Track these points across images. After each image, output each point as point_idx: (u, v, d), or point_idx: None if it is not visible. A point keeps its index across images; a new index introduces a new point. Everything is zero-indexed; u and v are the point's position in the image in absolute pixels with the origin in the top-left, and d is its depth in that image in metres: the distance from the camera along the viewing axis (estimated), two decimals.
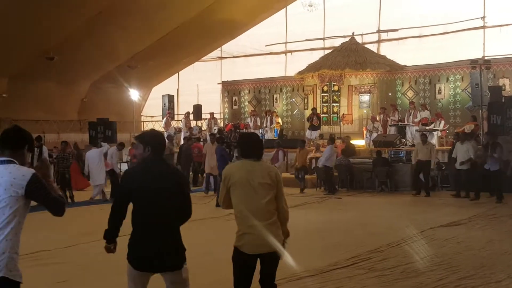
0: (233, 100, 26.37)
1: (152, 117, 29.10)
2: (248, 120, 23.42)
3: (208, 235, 9.35)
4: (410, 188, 15.08)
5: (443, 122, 18.79)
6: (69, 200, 14.03)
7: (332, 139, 16.57)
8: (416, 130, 18.78)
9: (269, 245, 4.07)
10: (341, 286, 5.86)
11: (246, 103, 25.86)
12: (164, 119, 23.61)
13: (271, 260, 4.16)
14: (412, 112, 19.63)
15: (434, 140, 18.03)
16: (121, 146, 16.51)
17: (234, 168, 4.31)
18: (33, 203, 3.33)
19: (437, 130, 18.62)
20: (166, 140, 17.72)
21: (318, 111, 21.52)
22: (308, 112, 21.87)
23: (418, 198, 13.94)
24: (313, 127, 20.71)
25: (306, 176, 16.50)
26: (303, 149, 17.09)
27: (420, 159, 14.61)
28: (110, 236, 3.97)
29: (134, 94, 25.34)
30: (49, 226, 10.24)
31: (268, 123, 22.43)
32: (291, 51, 26.22)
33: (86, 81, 25.42)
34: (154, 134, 4.19)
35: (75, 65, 22.40)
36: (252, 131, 22.22)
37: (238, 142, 4.74)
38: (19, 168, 3.30)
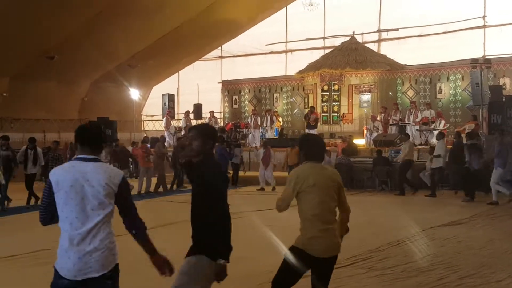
0: (234, 99, 26.37)
1: (152, 116, 29.11)
2: (249, 119, 23.43)
3: None
4: (409, 188, 15.08)
5: (443, 121, 18.78)
6: None
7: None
8: (417, 130, 18.79)
9: (338, 248, 4.18)
10: (341, 285, 5.86)
11: (247, 102, 25.86)
12: (164, 118, 23.61)
13: (334, 262, 4.22)
14: (413, 112, 19.62)
15: (434, 139, 18.02)
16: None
17: (306, 171, 4.21)
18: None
19: (438, 129, 18.60)
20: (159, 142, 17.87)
21: (318, 110, 21.51)
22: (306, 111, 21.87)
23: (418, 197, 13.95)
24: (309, 126, 20.64)
25: None
26: (295, 148, 17.18)
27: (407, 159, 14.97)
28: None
29: (134, 93, 25.36)
30: (48, 225, 10.27)
31: (269, 122, 22.42)
32: (291, 50, 26.22)
33: (87, 81, 25.41)
34: (213, 128, 4.24)
35: (75, 65, 22.39)
36: (253, 130, 22.25)
37: (304, 144, 4.45)
38: (111, 166, 3.39)
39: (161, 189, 16.32)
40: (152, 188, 16.02)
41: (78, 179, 3.18)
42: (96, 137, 3.40)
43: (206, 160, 3.90)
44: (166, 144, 21.76)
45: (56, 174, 3.25)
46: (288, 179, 4.23)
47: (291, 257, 4.11)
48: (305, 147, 4.38)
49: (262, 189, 16.44)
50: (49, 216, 3.34)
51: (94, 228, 3.18)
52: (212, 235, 3.73)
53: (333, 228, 4.17)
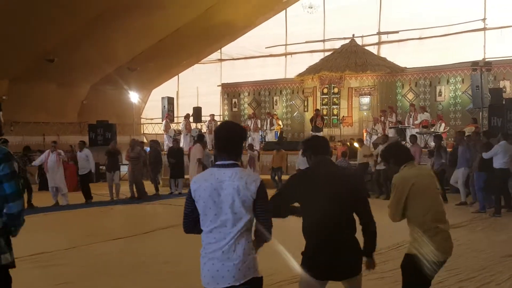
0: (233, 102, 26.36)
1: (152, 120, 29.10)
2: (248, 122, 23.40)
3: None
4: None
5: (443, 124, 18.76)
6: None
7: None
8: (416, 133, 18.75)
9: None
10: None
11: (246, 105, 25.84)
12: (164, 121, 23.60)
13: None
14: (413, 114, 19.58)
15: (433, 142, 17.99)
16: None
17: (411, 174, 4.20)
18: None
19: (438, 132, 18.58)
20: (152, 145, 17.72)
21: (320, 113, 21.48)
22: (308, 114, 21.85)
23: None
24: (316, 129, 20.66)
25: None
26: (280, 151, 17.55)
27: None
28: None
29: (133, 96, 25.36)
30: (49, 228, 10.24)
31: (268, 125, 22.40)
32: (291, 53, 26.21)
33: (86, 83, 25.41)
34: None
35: (75, 68, 22.39)
36: (252, 133, 22.23)
37: (394, 149, 4.55)
38: (248, 172, 3.26)
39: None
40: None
41: (215, 188, 3.13)
42: (236, 140, 3.27)
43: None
44: (165, 146, 21.83)
45: (196, 182, 3.21)
46: (398, 186, 4.19)
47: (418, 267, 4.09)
48: (396, 152, 4.43)
49: None
50: (192, 224, 3.29)
51: (234, 238, 3.12)
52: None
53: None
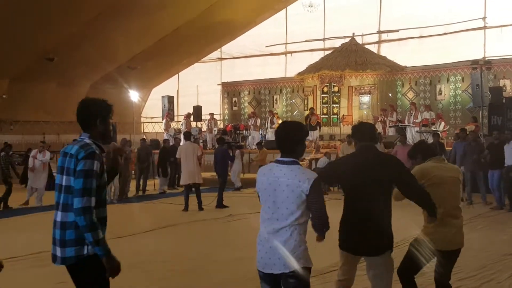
0: (233, 101, 26.34)
1: (152, 118, 29.10)
2: (248, 121, 23.40)
3: (208, 237, 9.30)
4: None
5: (443, 123, 18.75)
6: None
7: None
8: (416, 131, 18.74)
9: None
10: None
11: (246, 104, 25.82)
12: (164, 120, 23.58)
13: None
14: (413, 113, 19.58)
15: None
16: None
17: (433, 166, 4.51)
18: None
19: (438, 131, 18.56)
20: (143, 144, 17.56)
21: (318, 112, 21.46)
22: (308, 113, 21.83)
23: None
24: (310, 127, 20.63)
25: None
26: (262, 150, 17.71)
27: None
28: None
29: (134, 95, 25.31)
30: (48, 227, 10.23)
31: (269, 124, 22.41)
32: (291, 52, 26.20)
33: (86, 82, 25.40)
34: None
35: (75, 66, 22.39)
36: (252, 132, 22.23)
37: (421, 147, 4.89)
38: (304, 170, 3.45)
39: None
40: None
41: (271, 183, 3.39)
42: (294, 138, 3.48)
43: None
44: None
45: (259, 175, 3.50)
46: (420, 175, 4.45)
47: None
48: (424, 148, 4.79)
49: (238, 189, 16.79)
50: None
51: (283, 229, 3.36)
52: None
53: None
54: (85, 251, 3.30)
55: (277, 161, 3.46)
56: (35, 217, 11.80)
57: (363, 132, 4.33)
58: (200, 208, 12.18)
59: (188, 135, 13.91)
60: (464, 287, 5.82)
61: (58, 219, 3.36)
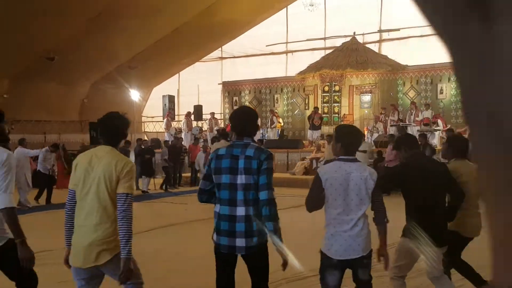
0: (234, 100, 26.35)
1: (152, 118, 29.09)
2: None
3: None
4: None
5: (441, 122, 18.68)
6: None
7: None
8: (418, 130, 18.71)
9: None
10: (343, 285, 5.80)
11: (247, 103, 25.80)
12: (165, 119, 23.58)
13: None
14: (414, 112, 19.56)
15: (435, 140, 17.98)
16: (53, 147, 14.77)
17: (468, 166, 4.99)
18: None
19: (439, 130, 18.55)
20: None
21: (319, 111, 21.46)
22: (309, 112, 21.82)
23: None
24: (313, 127, 20.65)
25: None
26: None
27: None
28: None
29: (134, 94, 25.32)
30: (49, 226, 10.22)
31: (269, 123, 22.40)
32: (292, 51, 26.19)
33: (87, 82, 25.40)
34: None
35: (75, 66, 22.38)
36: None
37: (451, 144, 5.33)
38: (367, 166, 4.00)
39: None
40: None
41: (345, 179, 3.79)
42: (360, 142, 4.09)
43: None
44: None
45: (327, 173, 3.84)
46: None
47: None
48: (453, 146, 5.20)
49: None
50: (317, 203, 3.90)
51: (355, 220, 3.82)
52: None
53: None
54: (265, 239, 3.78)
55: (342, 159, 3.89)
56: (36, 216, 11.79)
57: (412, 141, 4.96)
58: None
59: (225, 134, 13.73)
60: (466, 286, 5.79)
61: (240, 213, 3.74)
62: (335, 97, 21.75)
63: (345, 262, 3.88)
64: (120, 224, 3.58)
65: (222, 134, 14.00)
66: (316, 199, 3.88)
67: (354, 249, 3.84)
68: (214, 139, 14.86)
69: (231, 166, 3.76)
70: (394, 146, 5.10)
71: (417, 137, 15.24)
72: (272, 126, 22.65)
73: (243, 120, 3.96)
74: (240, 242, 3.75)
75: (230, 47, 27.43)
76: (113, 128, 3.84)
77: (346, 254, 3.84)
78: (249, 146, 3.83)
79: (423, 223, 4.54)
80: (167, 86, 28.42)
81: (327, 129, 21.27)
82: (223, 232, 3.79)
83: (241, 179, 3.74)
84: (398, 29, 23.05)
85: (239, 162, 3.76)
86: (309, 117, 21.00)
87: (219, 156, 3.83)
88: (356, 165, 3.87)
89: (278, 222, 3.73)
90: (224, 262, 3.91)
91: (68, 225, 3.84)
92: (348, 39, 23.02)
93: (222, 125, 24.79)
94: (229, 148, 3.86)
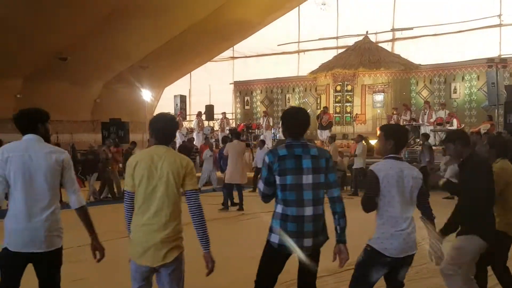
0: (245, 100, 26.30)
1: None
2: (260, 120, 23.33)
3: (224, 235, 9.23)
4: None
5: (456, 122, 18.50)
6: None
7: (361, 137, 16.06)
8: (431, 130, 18.55)
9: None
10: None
11: (258, 103, 25.77)
12: (176, 119, 23.60)
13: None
14: (427, 112, 19.38)
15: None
16: None
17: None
18: None
19: (452, 129, 18.36)
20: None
21: (331, 111, 21.33)
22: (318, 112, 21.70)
23: (435, 198, 13.72)
24: (321, 127, 20.50)
25: None
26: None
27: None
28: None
29: (146, 94, 25.38)
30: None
31: (280, 123, 22.34)
32: (303, 51, 26.07)
33: (99, 82, 25.49)
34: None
35: (87, 66, 22.45)
36: (264, 131, 22.16)
37: (495, 141, 5.34)
38: (387, 162, 3.99)
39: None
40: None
41: (400, 176, 3.84)
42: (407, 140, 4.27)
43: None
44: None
45: (382, 170, 3.86)
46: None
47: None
48: (496, 146, 5.16)
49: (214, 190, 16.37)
50: (374, 205, 3.91)
51: (410, 218, 3.92)
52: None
53: None
54: (327, 237, 3.91)
55: (393, 157, 3.94)
56: None
57: (467, 137, 4.83)
58: (241, 208, 11.87)
59: (237, 134, 13.65)
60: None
61: (308, 213, 3.76)
62: (347, 97, 21.62)
63: (399, 260, 3.91)
64: (197, 220, 3.70)
65: (234, 134, 13.94)
66: (374, 199, 3.89)
67: (410, 247, 3.92)
68: (225, 139, 14.85)
69: (296, 166, 3.74)
70: (447, 139, 4.82)
71: (421, 137, 15.30)
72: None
73: (302, 120, 3.98)
74: (307, 242, 3.77)
75: (241, 47, 27.37)
76: (167, 129, 3.89)
77: (403, 252, 3.89)
78: (310, 146, 3.88)
79: (493, 221, 4.66)
80: (179, 86, 28.44)
81: (339, 129, 21.15)
82: (291, 233, 3.76)
83: (307, 178, 3.74)
84: (411, 28, 22.83)
85: (304, 162, 3.76)
86: (317, 117, 20.89)
87: (282, 158, 3.77)
88: (405, 163, 3.99)
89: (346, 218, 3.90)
90: (284, 262, 3.90)
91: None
92: (361, 38, 22.84)
93: (234, 125, 24.76)
94: (289, 149, 3.82)
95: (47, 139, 4.04)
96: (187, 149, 17.66)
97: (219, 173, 16.31)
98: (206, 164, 16.84)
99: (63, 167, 3.84)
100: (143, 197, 3.65)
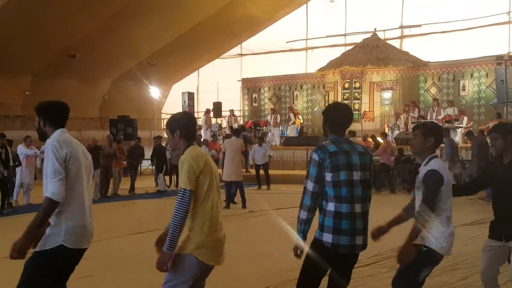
0: (253, 97, 26.31)
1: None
2: (268, 117, 23.33)
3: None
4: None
5: (466, 118, 18.46)
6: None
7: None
8: None
9: None
10: (363, 284, 5.76)
11: (266, 100, 25.77)
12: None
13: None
14: (436, 109, 19.31)
15: (457, 137, 17.73)
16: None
17: None
18: None
19: (461, 127, 18.30)
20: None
21: None
22: None
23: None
24: None
25: None
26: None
27: None
28: None
29: (154, 91, 25.46)
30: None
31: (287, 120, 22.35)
32: (311, 48, 26.05)
33: (107, 79, 25.60)
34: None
35: (96, 63, 22.56)
36: (272, 128, 22.17)
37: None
38: (440, 162, 3.95)
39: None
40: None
41: (449, 175, 3.89)
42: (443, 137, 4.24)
43: None
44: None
45: (441, 170, 3.85)
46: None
47: None
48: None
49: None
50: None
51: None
52: None
53: None
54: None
55: (434, 157, 3.94)
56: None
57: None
58: (244, 206, 11.71)
59: (237, 131, 13.39)
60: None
61: (358, 210, 3.71)
62: (356, 94, 21.59)
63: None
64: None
65: (233, 131, 13.86)
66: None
67: (453, 245, 3.94)
68: (227, 137, 14.77)
69: (347, 162, 3.69)
70: (497, 131, 4.56)
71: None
72: (290, 123, 22.57)
73: (348, 116, 3.97)
74: (359, 240, 3.71)
75: (249, 44, 27.40)
76: (191, 127, 3.88)
77: (450, 251, 3.96)
78: (354, 143, 3.90)
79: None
80: (187, 83, 28.51)
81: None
82: (344, 231, 3.65)
83: (357, 175, 3.71)
84: (420, 25, 22.76)
85: (353, 158, 3.72)
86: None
87: (333, 154, 3.68)
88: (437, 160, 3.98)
89: None
90: (340, 262, 3.75)
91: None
92: (369, 35, 22.78)
93: (242, 122, 24.77)
94: (337, 145, 3.75)
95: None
96: None
97: (219, 171, 16.18)
98: None
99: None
100: (206, 195, 3.81)
